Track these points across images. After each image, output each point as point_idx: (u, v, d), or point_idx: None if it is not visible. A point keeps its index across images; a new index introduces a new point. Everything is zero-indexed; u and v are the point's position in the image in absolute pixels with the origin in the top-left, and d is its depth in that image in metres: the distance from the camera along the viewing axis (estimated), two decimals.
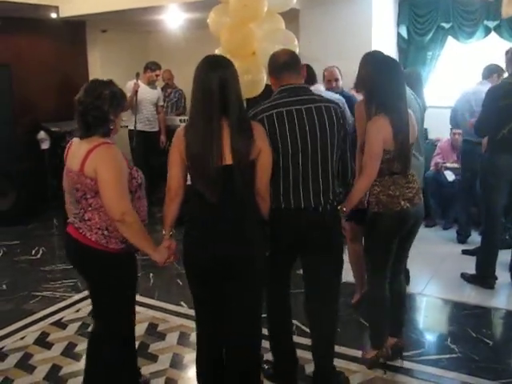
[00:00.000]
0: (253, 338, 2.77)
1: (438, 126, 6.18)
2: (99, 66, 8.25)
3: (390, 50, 6.59)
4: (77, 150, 2.61)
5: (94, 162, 2.49)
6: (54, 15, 6.64)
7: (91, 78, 8.15)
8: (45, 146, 7.06)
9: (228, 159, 2.43)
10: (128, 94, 6.50)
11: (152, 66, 6.73)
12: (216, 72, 2.44)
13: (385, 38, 6.32)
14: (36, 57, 7.36)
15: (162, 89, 7.31)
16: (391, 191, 3.03)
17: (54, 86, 7.69)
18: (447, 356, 3.48)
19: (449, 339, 3.69)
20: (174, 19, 7.09)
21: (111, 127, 2.64)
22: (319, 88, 4.44)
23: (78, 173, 2.53)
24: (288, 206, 2.75)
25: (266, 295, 2.88)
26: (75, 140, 2.69)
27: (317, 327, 3.08)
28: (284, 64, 2.80)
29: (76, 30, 7.89)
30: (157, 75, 6.78)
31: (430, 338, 3.79)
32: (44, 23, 7.11)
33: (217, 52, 4.02)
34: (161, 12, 6.58)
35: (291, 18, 4.60)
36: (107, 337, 2.80)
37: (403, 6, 6.62)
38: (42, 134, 7.03)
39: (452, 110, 5.59)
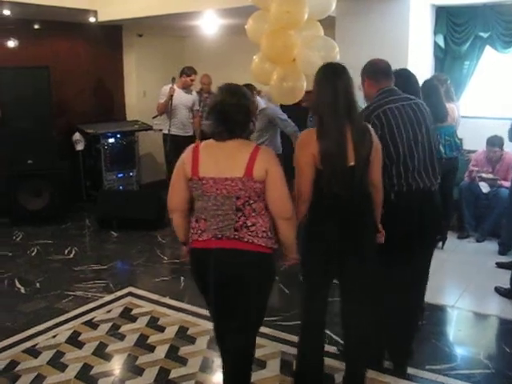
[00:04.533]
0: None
1: (475, 137, 6.08)
2: (135, 69, 8.35)
3: (426, 58, 6.54)
4: (224, 156, 2.53)
5: (264, 164, 2.49)
6: (92, 19, 6.74)
7: (127, 82, 8.31)
8: (80, 147, 7.21)
9: (351, 160, 2.65)
10: (163, 98, 6.61)
11: (188, 71, 6.78)
12: (341, 79, 2.65)
13: (421, 46, 6.26)
14: (73, 59, 7.49)
15: (198, 93, 7.36)
16: None
17: (90, 89, 7.82)
18: (480, 371, 3.41)
19: (482, 354, 3.62)
20: (210, 25, 7.14)
21: (251, 128, 2.66)
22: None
23: (245, 178, 2.48)
24: (409, 188, 3.04)
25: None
26: (206, 146, 2.59)
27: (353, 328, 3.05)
28: (383, 70, 3.16)
29: (113, 34, 8.00)
30: (192, 80, 6.83)
31: (462, 352, 3.71)
32: (82, 27, 7.23)
33: (255, 58, 4.03)
34: (197, 17, 6.62)
35: (327, 25, 4.58)
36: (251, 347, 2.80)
37: (440, 15, 6.54)
38: (77, 136, 7.18)
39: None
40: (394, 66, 3.48)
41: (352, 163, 2.66)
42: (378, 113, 3.00)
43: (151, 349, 3.70)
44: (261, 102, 5.67)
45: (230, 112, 2.52)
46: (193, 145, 2.65)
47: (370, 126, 2.79)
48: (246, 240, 2.53)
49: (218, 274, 2.57)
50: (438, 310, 4.23)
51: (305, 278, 3.00)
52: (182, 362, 3.53)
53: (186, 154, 2.62)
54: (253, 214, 2.54)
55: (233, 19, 6.47)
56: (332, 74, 2.68)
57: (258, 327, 2.83)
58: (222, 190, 2.52)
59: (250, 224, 2.53)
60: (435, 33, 6.60)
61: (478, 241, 5.88)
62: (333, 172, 2.64)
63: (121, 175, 7.56)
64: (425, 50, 6.44)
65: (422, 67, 6.25)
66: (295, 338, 3.41)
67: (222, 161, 2.53)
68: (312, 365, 3.06)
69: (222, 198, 2.53)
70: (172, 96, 6.55)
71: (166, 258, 5.59)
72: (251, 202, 2.54)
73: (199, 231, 2.60)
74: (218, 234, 2.55)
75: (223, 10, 5.95)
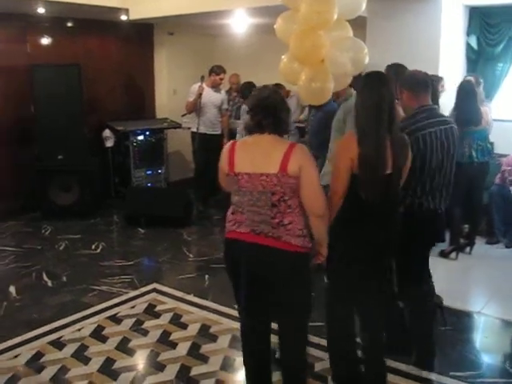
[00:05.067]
0: None
1: (508, 141, 5.96)
2: (165, 68, 8.40)
3: (458, 60, 6.43)
4: (259, 153, 2.60)
5: (299, 160, 2.54)
6: (123, 17, 6.81)
7: (157, 80, 8.38)
8: (109, 143, 7.29)
9: (388, 168, 2.72)
10: (192, 97, 6.65)
11: (217, 70, 6.80)
12: (386, 88, 2.72)
13: (453, 47, 6.16)
14: (105, 57, 7.58)
15: (227, 92, 7.38)
16: None
17: (121, 86, 7.90)
18: (504, 380, 3.35)
19: (507, 363, 3.55)
20: (240, 24, 7.15)
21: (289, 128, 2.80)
22: None
23: (280, 174, 2.53)
24: (420, 207, 3.17)
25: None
26: (242, 143, 2.70)
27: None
28: (424, 83, 3.20)
29: (144, 32, 8.06)
30: (221, 79, 6.84)
31: (487, 359, 3.64)
32: (114, 25, 7.32)
33: (283, 58, 4.01)
34: (227, 16, 6.64)
35: (358, 25, 4.54)
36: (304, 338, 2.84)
37: (474, 16, 6.43)
38: (107, 132, 7.26)
39: None
40: (426, 68, 3.52)
41: (388, 171, 2.73)
42: (418, 136, 3.07)
43: (173, 345, 3.73)
44: None
45: (277, 107, 2.63)
46: (231, 142, 2.76)
47: (407, 138, 2.87)
48: (283, 239, 2.57)
49: (252, 270, 2.63)
50: (464, 316, 4.16)
51: (332, 279, 3.02)
52: (204, 359, 3.55)
53: (224, 151, 2.73)
54: (288, 211, 2.59)
55: (262, 18, 6.46)
56: (377, 82, 2.75)
57: (301, 330, 2.82)
58: (257, 185, 2.58)
59: (286, 222, 2.57)
60: (468, 34, 6.49)
61: (507, 247, 5.76)
62: (369, 178, 2.70)
63: (149, 172, 7.61)
64: (457, 52, 6.34)
65: (453, 69, 6.16)
66: (315, 340, 3.42)
67: (257, 157, 2.60)
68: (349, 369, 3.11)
69: (258, 194, 2.59)
70: (201, 94, 6.58)
71: (191, 255, 5.62)
72: (286, 198, 2.58)
73: (236, 223, 2.68)
74: (256, 229, 2.60)
75: (253, 9, 5.94)
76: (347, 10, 3.50)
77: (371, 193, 2.71)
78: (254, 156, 2.61)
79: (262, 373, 2.93)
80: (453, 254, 5.28)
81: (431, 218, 3.22)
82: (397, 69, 4.09)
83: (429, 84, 3.21)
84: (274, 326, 2.86)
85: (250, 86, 5.81)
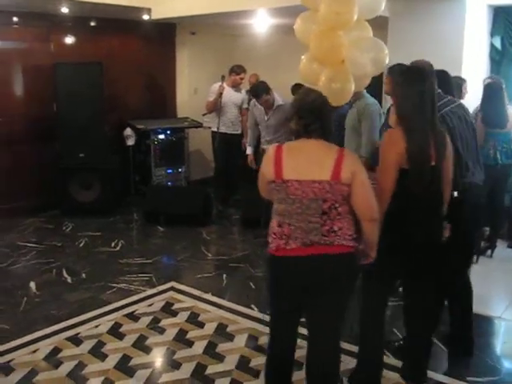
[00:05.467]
0: None
1: None
2: (187, 67, 8.43)
3: (482, 61, 6.34)
4: (309, 159, 2.52)
5: (351, 167, 2.49)
6: (146, 17, 6.85)
7: (178, 79, 8.42)
8: (130, 142, 7.33)
9: (432, 160, 2.79)
10: (213, 96, 6.66)
11: (237, 70, 6.81)
12: (428, 81, 2.79)
13: (477, 48, 6.08)
14: (127, 56, 7.63)
15: (247, 92, 7.38)
16: None
17: (142, 85, 7.94)
18: None
19: None
20: (261, 24, 7.15)
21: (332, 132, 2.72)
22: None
23: (332, 181, 2.46)
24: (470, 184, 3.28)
25: None
26: (289, 148, 2.59)
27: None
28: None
29: (166, 31, 8.10)
30: (241, 78, 6.85)
31: (507, 365, 3.58)
32: (136, 24, 7.36)
33: (303, 58, 4.00)
34: (249, 16, 6.64)
35: (379, 25, 4.51)
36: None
37: (498, 16, 6.33)
38: (128, 131, 7.31)
39: None
40: (449, 68, 3.53)
41: (433, 163, 2.80)
42: (443, 115, 3.14)
43: (190, 344, 3.74)
44: (278, 99, 5.76)
45: (323, 111, 2.57)
46: (274, 146, 2.63)
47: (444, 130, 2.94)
48: (336, 243, 2.51)
49: (307, 280, 2.56)
50: (484, 321, 4.10)
51: (372, 280, 3.03)
52: (219, 358, 3.55)
53: (268, 157, 2.59)
54: (338, 218, 2.52)
55: (283, 19, 6.45)
56: (419, 77, 2.80)
57: (338, 330, 2.75)
58: (308, 192, 2.48)
59: (336, 229, 2.51)
60: (492, 34, 6.39)
61: None
62: (419, 171, 2.76)
63: (170, 171, 7.65)
64: (480, 52, 6.25)
65: (477, 69, 6.08)
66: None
67: (307, 163, 2.51)
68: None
69: (308, 201, 2.49)
70: (221, 94, 6.60)
71: (210, 254, 5.63)
72: (337, 205, 2.51)
73: (284, 237, 2.55)
74: (307, 240, 2.51)
75: (274, 10, 5.94)
76: (366, 10, 3.47)
77: (420, 185, 2.75)
78: (303, 162, 2.52)
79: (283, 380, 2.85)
80: (473, 257, 5.21)
81: (480, 193, 3.39)
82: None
83: (434, 73, 3.25)
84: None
85: (262, 85, 5.81)
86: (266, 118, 5.81)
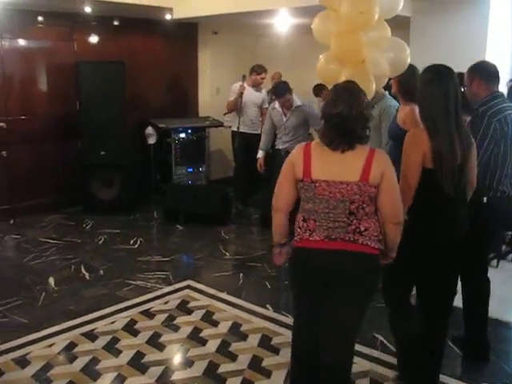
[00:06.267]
0: None
1: None
2: (209, 66, 8.47)
3: (505, 61, 6.23)
4: (338, 159, 2.48)
5: (380, 168, 2.46)
6: (168, 16, 6.89)
7: (201, 78, 8.45)
8: (151, 140, 7.38)
9: (458, 159, 2.77)
10: (233, 96, 6.68)
11: (258, 69, 6.82)
12: (452, 80, 2.78)
13: (500, 48, 5.98)
14: (149, 55, 7.69)
15: (269, 91, 7.38)
16: None
17: (164, 85, 7.99)
18: None
19: None
20: (282, 24, 7.14)
21: (368, 134, 2.62)
22: None
23: (360, 183, 2.44)
24: (502, 194, 3.31)
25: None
26: (318, 147, 2.54)
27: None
28: (496, 73, 3.37)
29: (188, 31, 8.14)
30: (262, 78, 6.86)
31: None
32: (158, 24, 7.41)
33: (321, 58, 3.97)
34: (270, 16, 6.64)
35: (400, 25, 4.46)
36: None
37: None
38: (149, 130, 7.35)
39: None
40: None
41: (458, 162, 2.78)
42: (501, 118, 3.19)
43: (203, 342, 3.75)
44: (296, 100, 5.75)
45: (351, 126, 2.45)
46: (302, 145, 2.60)
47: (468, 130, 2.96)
48: (360, 242, 2.48)
49: (330, 276, 2.53)
50: (502, 326, 4.03)
51: (393, 282, 3.01)
52: (232, 357, 3.55)
53: (296, 155, 2.57)
54: (365, 218, 2.50)
55: (305, 18, 6.43)
56: (444, 75, 2.81)
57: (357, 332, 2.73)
58: (335, 193, 2.47)
59: (363, 229, 2.49)
60: None
61: None
62: (444, 170, 2.74)
63: (190, 170, 7.68)
64: (504, 52, 6.14)
65: (500, 71, 5.97)
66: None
67: (336, 164, 2.48)
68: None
69: (336, 202, 2.47)
70: (242, 94, 6.61)
71: (227, 253, 5.64)
72: (364, 205, 2.48)
73: (308, 231, 2.54)
74: (331, 235, 2.49)
75: (295, 9, 5.93)
76: (385, 10, 3.43)
77: (446, 184, 2.75)
78: (332, 162, 2.49)
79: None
80: (493, 262, 5.13)
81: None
82: None
83: (499, 74, 3.38)
84: None
85: (285, 84, 5.81)
86: (284, 119, 5.80)
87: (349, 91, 2.52)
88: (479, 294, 3.52)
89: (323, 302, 2.60)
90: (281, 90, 5.70)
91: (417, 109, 3.14)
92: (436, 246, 2.90)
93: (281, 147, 5.85)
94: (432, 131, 2.75)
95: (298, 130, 5.71)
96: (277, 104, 5.86)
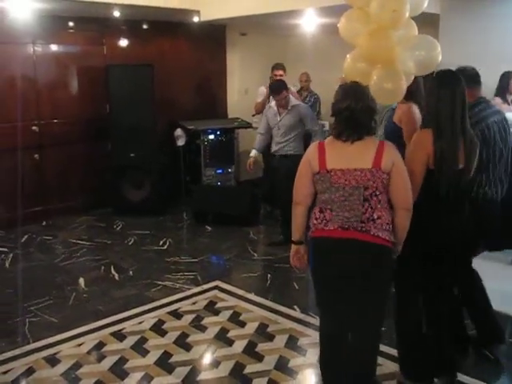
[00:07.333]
0: None
1: None
2: (238, 68, 8.49)
3: None
4: (351, 150, 2.64)
5: (391, 157, 2.62)
6: (195, 19, 6.92)
7: (229, 80, 8.46)
8: (181, 142, 7.42)
9: (461, 163, 2.87)
10: (261, 98, 6.68)
11: (274, 66, 6.83)
12: (460, 86, 2.88)
13: None
14: (177, 58, 7.74)
15: (298, 92, 7.34)
16: None
17: (192, 87, 8.04)
18: None
19: None
20: (309, 24, 7.10)
21: (374, 126, 2.79)
22: None
23: (373, 169, 2.60)
24: (484, 196, 3.35)
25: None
26: (331, 142, 2.71)
27: None
28: (477, 77, 3.40)
29: (216, 33, 8.17)
30: (275, 75, 6.79)
31: None
32: (186, 26, 7.45)
33: (348, 57, 3.94)
34: (297, 16, 6.62)
35: (429, 23, 4.40)
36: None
37: None
38: (178, 131, 7.39)
39: None
40: (502, 67, 3.48)
41: (461, 166, 2.87)
42: (485, 125, 3.27)
43: (230, 343, 3.76)
44: (292, 99, 5.72)
45: (359, 117, 2.64)
46: (316, 142, 2.78)
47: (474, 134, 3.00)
48: (372, 233, 2.58)
49: (344, 265, 2.64)
50: None
51: (402, 281, 3.05)
52: (259, 358, 3.56)
53: (311, 151, 2.75)
54: (378, 206, 2.62)
55: (332, 18, 6.39)
56: (452, 81, 2.90)
57: (379, 335, 2.81)
58: (350, 180, 2.61)
59: (376, 217, 2.60)
60: None
61: None
62: (445, 173, 2.83)
63: (220, 171, 7.70)
64: None
65: None
66: None
67: (349, 153, 2.65)
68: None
69: (351, 189, 2.61)
70: (269, 95, 6.59)
71: (256, 254, 5.64)
72: (378, 193, 2.62)
73: (324, 221, 2.67)
74: (345, 224, 2.61)
75: (322, 9, 5.90)
76: (412, 7, 3.38)
77: (446, 186, 2.84)
78: (345, 152, 2.65)
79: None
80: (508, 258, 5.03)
81: (494, 207, 3.37)
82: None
83: (479, 77, 3.39)
84: None
85: (282, 82, 5.80)
86: (278, 118, 5.73)
87: (354, 88, 2.74)
88: (472, 285, 3.53)
89: (343, 289, 2.70)
90: (277, 87, 5.64)
91: (415, 108, 3.27)
92: (439, 245, 2.98)
93: (273, 149, 5.81)
94: (437, 134, 2.84)
95: (291, 130, 5.61)
96: (273, 103, 5.82)
